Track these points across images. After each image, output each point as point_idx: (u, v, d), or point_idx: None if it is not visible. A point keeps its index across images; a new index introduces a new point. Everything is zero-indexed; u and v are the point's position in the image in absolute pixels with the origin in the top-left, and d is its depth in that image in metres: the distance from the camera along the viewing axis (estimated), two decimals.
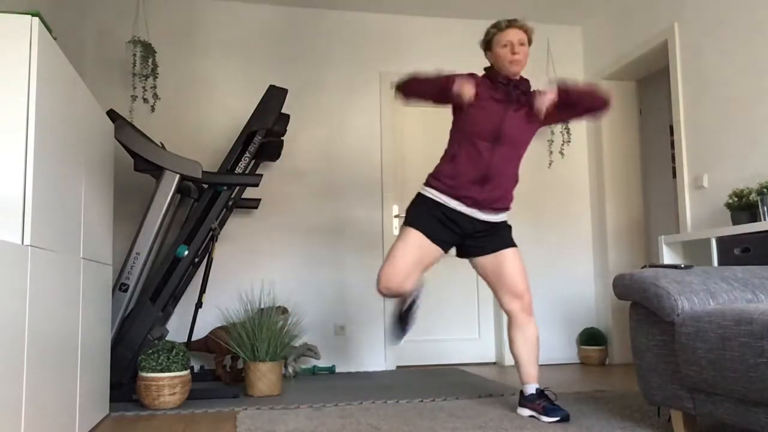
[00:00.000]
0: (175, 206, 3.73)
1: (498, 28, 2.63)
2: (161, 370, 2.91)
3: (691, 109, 3.76)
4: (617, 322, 4.51)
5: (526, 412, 2.65)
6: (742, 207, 3.07)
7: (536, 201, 4.73)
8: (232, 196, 3.57)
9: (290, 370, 3.95)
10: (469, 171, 2.62)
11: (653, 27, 4.08)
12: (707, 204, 3.61)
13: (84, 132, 2.34)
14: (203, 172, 3.35)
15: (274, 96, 3.55)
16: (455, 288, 4.64)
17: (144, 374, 2.93)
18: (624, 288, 2.21)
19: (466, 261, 2.77)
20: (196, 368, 4.05)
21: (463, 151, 2.64)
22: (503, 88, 2.62)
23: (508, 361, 4.49)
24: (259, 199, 4.03)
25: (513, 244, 2.73)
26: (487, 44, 2.68)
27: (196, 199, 3.83)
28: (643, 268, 2.27)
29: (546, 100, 2.55)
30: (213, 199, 3.48)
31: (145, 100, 4.17)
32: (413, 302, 2.88)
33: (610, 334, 4.52)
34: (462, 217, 2.67)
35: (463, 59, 4.63)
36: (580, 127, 4.85)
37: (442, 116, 4.43)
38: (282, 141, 3.92)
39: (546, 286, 4.67)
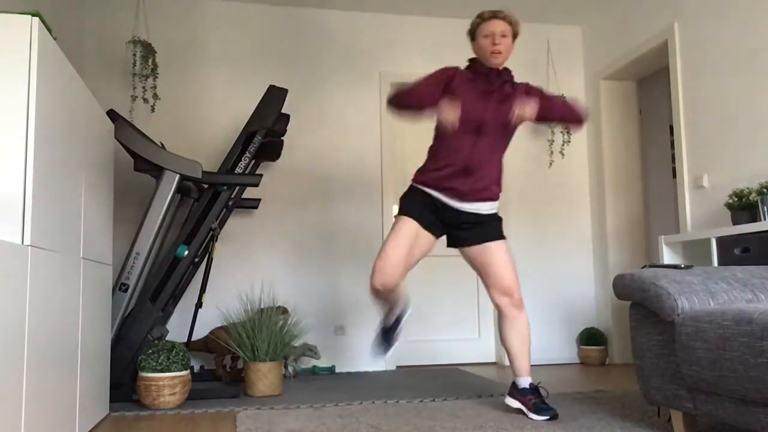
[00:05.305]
0: (175, 206, 3.73)
1: (482, 18, 2.64)
2: (161, 370, 2.91)
3: (691, 109, 3.76)
4: (617, 322, 4.51)
5: (514, 404, 2.65)
6: (742, 207, 3.07)
7: (536, 201, 4.73)
8: (232, 196, 3.57)
9: (290, 370, 3.96)
10: (451, 163, 2.62)
11: (653, 27, 4.08)
12: (707, 204, 3.61)
13: (84, 132, 2.34)
14: (203, 172, 3.35)
15: (274, 96, 3.55)
16: (455, 288, 4.64)
17: (144, 374, 2.94)
18: (624, 288, 2.21)
19: (467, 262, 2.78)
20: (196, 368, 4.05)
21: (445, 144, 2.65)
22: (485, 79, 2.63)
23: (508, 361, 4.48)
24: (259, 199, 4.02)
25: (500, 237, 2.70)
26: (472, 34, 2.70)
27: (196, 199, 3.83)
28: (643, 268, 2.27)
29: (526, 112, 2.55)
30: (213, 199, 3.48)
31: (145, 100, 4.17)
32: (399, 318, 2.81)
33: (610, 334, 4.52)
34: (448, 209, 2.66)
35: (463, 59, 4.61)
36: None
37: None
38: (282, 141, 3.92)
39: (546, 286, 4.67)
